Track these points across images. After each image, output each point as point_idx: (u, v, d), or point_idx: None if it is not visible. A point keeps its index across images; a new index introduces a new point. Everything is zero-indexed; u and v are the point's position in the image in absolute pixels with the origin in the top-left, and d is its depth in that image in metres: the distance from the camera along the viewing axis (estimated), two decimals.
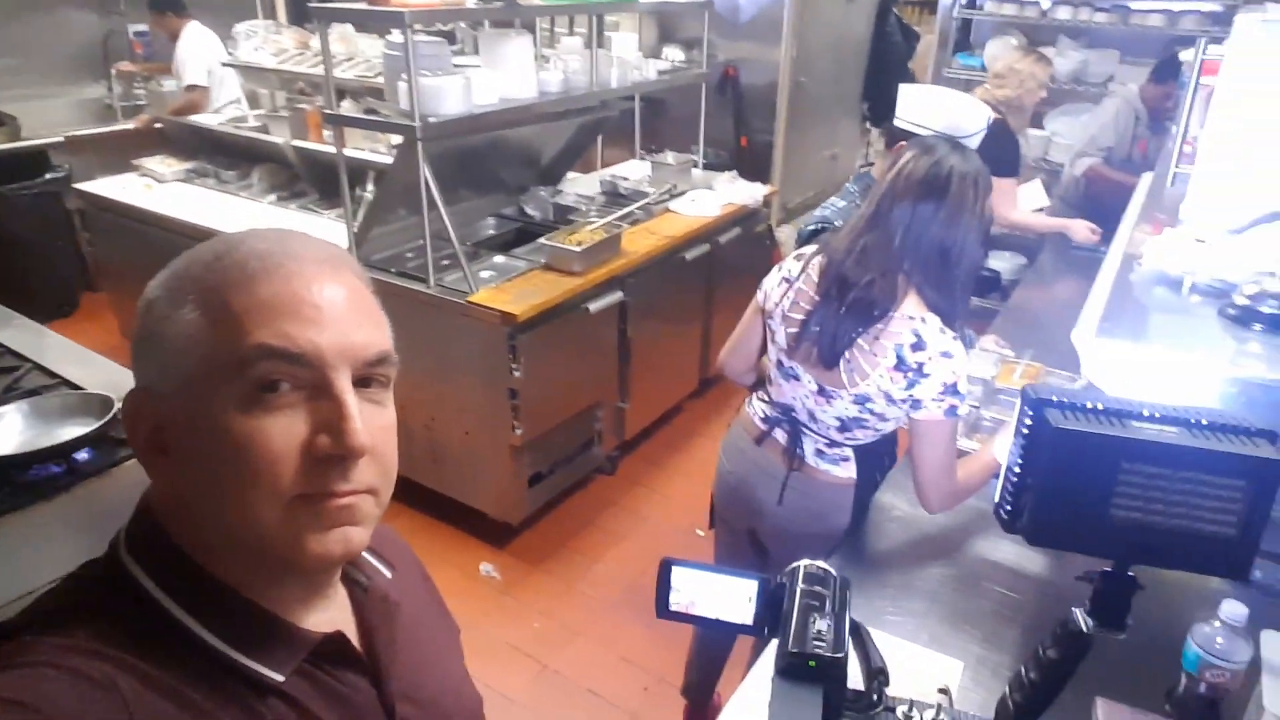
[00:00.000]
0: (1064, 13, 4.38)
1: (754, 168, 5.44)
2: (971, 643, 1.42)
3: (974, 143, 2.03)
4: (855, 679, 0.66)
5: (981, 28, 4.96)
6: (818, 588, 0.66)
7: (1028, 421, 0.56)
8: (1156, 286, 1.04)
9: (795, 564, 0.69)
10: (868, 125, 7.30)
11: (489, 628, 2.72)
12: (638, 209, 3.45)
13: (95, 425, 1.81)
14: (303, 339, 0.60)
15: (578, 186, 3.84)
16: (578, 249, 2.83)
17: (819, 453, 1.71)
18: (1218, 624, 1.21)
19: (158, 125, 4.49)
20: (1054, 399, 0.56)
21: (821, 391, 1.63)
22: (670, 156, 3.90)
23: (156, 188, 3.91)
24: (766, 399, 1.80)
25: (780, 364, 1.71)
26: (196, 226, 3.42)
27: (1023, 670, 0.59)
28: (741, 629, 0.68)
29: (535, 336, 2.74)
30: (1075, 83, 4.50)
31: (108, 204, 3.83)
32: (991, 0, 4.30)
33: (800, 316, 1.64)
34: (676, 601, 0.70)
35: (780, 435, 1.76)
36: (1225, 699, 1.27)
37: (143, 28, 5.02)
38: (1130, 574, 0.54)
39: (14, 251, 4.48)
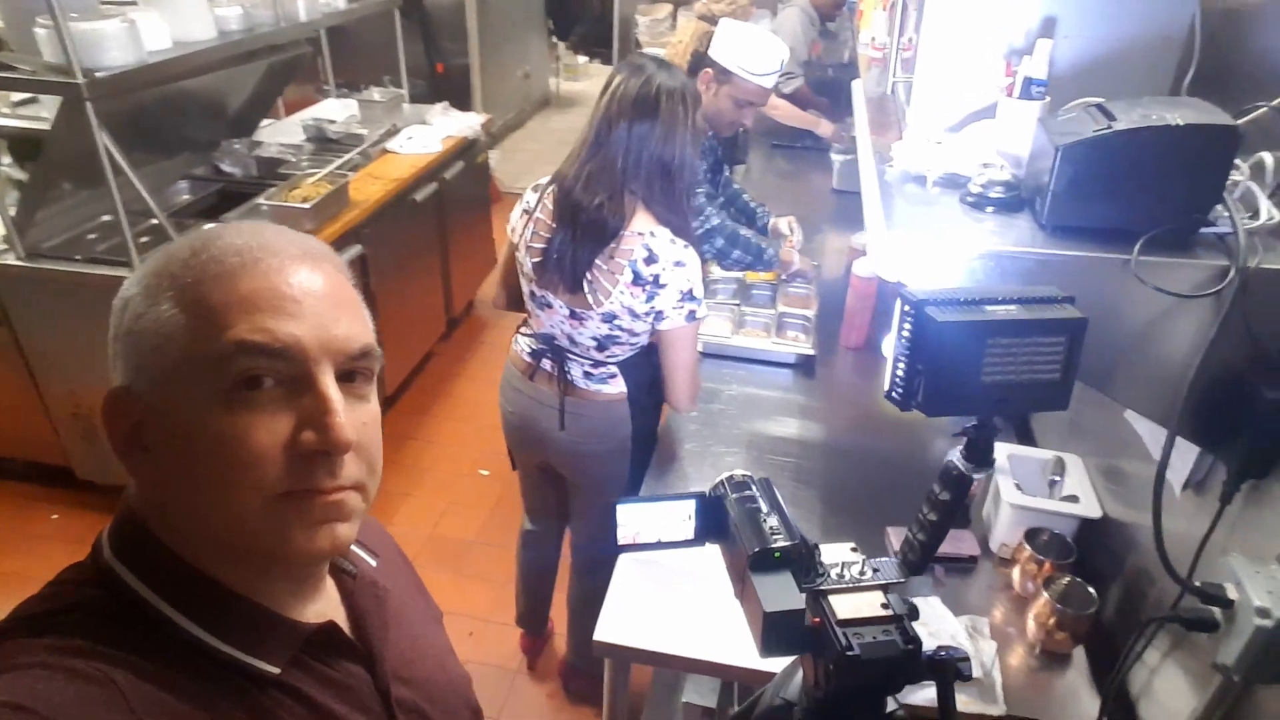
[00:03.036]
0: None
1: (452, 94, 5.28)
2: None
3: (770, 81, 2.18)
4: None
5: None
6: (746, 493, 0.75)
7: (910, 318, 0.68)
8: (907, 184, 1.24)
9: (718, 478, 0.77)
10: (554, 40, 7.36)
11: None
12: (357, 155, 3.22)
13: None
14: (283, 333, 0.59)
15: (278, 135, 3.48)
16: (306, 206, 2.60)
17: (586, 374, 1.79)
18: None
19: None
20: (928, 298, 0.69)
21: (573, 315, 1.70)
22: (376, 93, 3.66)
23: None
24: (529, 333, 1.85)
25: (533, 295, 1.76)
26: None
27: (920, 514, 0.74)
28: (686, 543, 0.76)
29: None
30: None
31: None
32: None
33: (541, 245, 1.69)
34: (624, 536, 0.75)
35: (548, 365, 1.81)
36: (974, 501, 1.62)
37: None
38: (994, 423, 0.70)
39: None
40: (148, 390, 0.60)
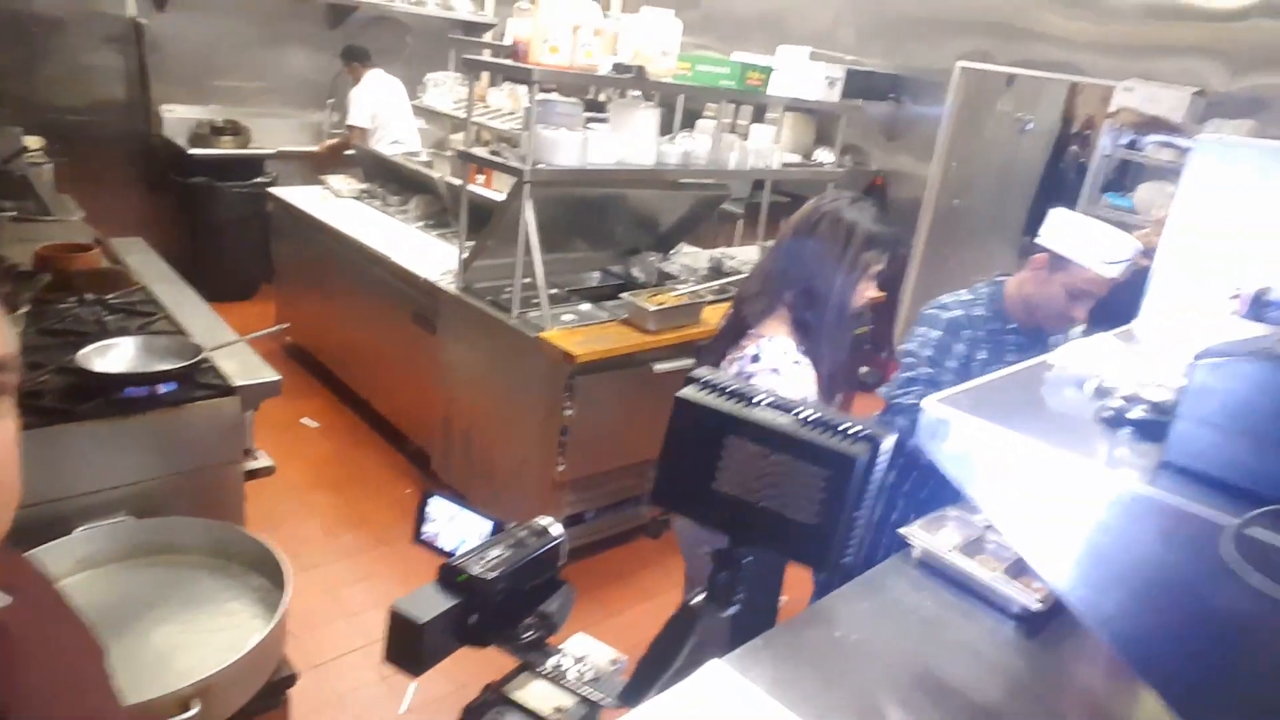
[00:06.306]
0: None
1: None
2: None
3: (1115, 271, 1.95)
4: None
5: (1139, 170, 4.74)
6: (531, 537, 0.71)
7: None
8: (1066, 388, 1.02)
9: (535, 518, 0.75)
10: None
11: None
12: (730, 283, 3.54)
13: (181, 365, 2.10)
14: None
15: (687, 259, 4.00)
16: (650, 308, 2.95)
17: None
18: None
19: (348, 152, 5.15)
20: (708, 379, 0.60)
21: None
22: None
23: (333, 201, 4.46)
24: None
25: None
26: (349, 237, 3.86)
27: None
28: None
29: (593, 381, 2.86)
30: None
31: (292, 210, 4.40)
32: (1154, 145, 4.11)
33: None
34: (426, 532, 0.77)
35: None
36: None
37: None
38: (742, 556, 0.56)
39: (219, 239, 5.24)
40: None
